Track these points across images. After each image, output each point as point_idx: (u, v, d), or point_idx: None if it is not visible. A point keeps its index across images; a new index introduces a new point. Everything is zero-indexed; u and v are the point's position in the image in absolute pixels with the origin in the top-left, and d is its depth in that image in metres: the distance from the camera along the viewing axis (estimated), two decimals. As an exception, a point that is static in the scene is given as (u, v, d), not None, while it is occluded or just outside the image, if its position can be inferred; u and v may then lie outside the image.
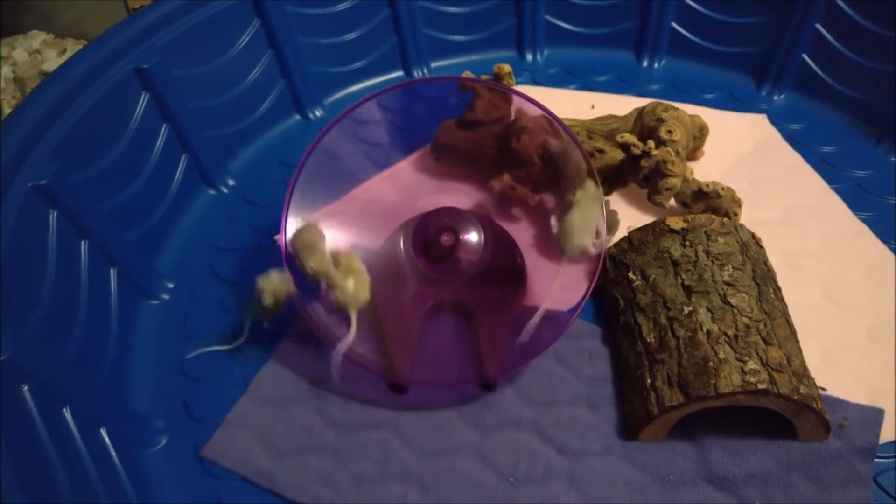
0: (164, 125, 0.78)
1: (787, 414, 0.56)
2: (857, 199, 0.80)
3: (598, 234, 0.65)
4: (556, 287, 0.64)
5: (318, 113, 0.96)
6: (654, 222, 0.69)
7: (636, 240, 0.69)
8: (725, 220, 0.68)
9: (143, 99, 0.75)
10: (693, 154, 0.84)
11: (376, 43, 0.98)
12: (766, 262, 0.66)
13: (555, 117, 0.66)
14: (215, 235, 0.79)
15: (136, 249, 0.72)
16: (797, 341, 0.61)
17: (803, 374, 0.57)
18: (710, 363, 0.56)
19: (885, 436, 0.59)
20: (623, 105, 0.88)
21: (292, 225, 0.65)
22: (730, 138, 0.88)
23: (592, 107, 0.93)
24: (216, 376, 0.66)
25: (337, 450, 0.60)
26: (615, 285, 0.68)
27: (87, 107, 0.69)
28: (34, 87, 0.70)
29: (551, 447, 0.60)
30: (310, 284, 0.63)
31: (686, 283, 0.62)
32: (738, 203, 0.74)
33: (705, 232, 0.66)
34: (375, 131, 0.78)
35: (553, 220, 0.73)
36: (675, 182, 0.73)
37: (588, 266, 0.69)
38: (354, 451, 0.60)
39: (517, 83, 0.96)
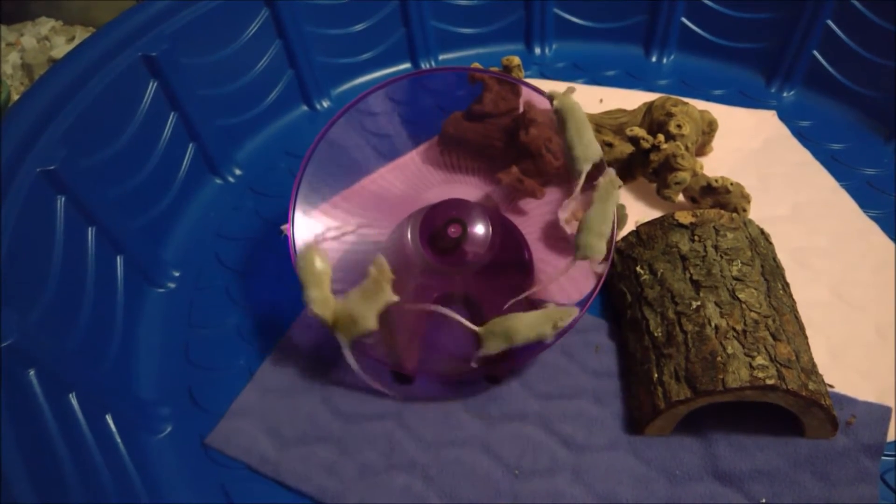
0: (172, 113, 0.78)
1: (795, 410, 0.56)
2: (867, 196, 0.80)
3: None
4: (563, 280, 0.63)
5: (326, 104, 0.96)
6: (662, 217, 0.68)
7: (644, 234, 0.68)
8: (734, 215, 0.67)
9: (152, 87, 0.75)
10: (702, 150, 0.84)
11: (384, 34, 0.98)
12: (774, 258, 0.66)
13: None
14: (221, 224, 0.79)
15: (142, 237, 0.72)
16: (805, 337, 0.61)
17: (812, 371, 0.57)
18: (718, 358, 0.56)
19: (892, 434, 0.59)
20: (631, 100, 0.87)
21: (300, 215, 0.65)
22: (739, 134, 0.87)
23: (601, 101, 0.92)
24: (221, 364, 0.66)
25: (342, 440, 0.60)
26: (622, 279, 0.68)
27: (95, 94, 0.69)
28: (43, 73, 0.70)
29: (557, 440, 0.60)
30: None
31: (694, 277, 0.62)
32: (746, 199, 0.74)
33: (714, 227, 0.65)
34: (383, 123, 0.77)
35: (560, 210, 0.73)
36: (685, 176, 0.72)
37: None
38: (359, 441, 0.60)
39: (525, 77, 0.96)
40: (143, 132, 0.74)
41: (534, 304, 0.67)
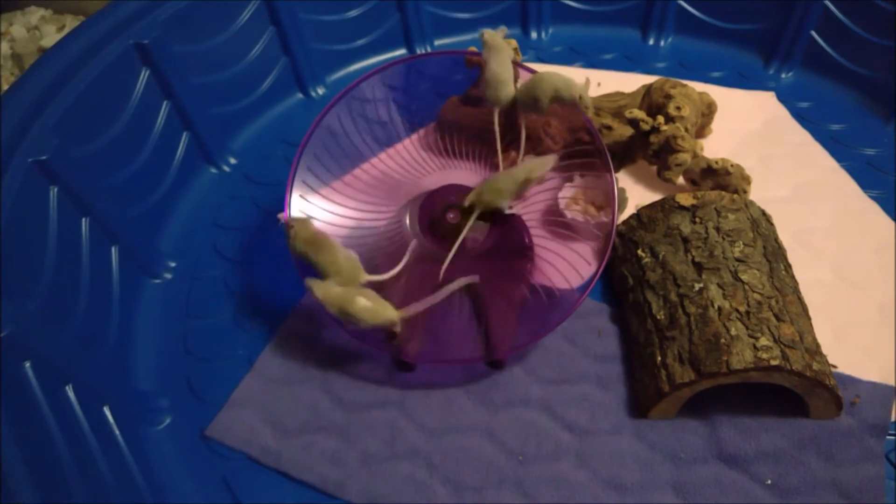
0: (165, 102, 0.77)
1: (800, 391, 0.55)
2: (867, 176, 0.79)
3: (607, 212, 0.64)
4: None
5: (321, 91, 0.95)
6: (663, 199, 0.68)
7: (645, 217, 0.68)
8: (735, 196, 0.67)
9: (144, 75, 0.74)
10: (701, 132, 0.83)
11: (379, 20, 0.97)
12: (776, 239, 0.66)
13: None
14: (217, 214, 0.78)
15: (137, 227, 0.72)
16: (809, 318, 0.60)
17: (816, 351, 0.57)
18: (722, 340, 0.55)
19: (897, 413, 0.59)
20: (629, 83, 0.86)
21: (297, 203, 0.64)
22: (738, 116, 0.87)
23: (598, 84, 0.91)
24: (220, 355, 0.65)
25: (343, 428, 0.60)
26: (624, 263, 0.67)
27: (86, 83, 0.68)
28: (33, 63, 0.69)
29: (560, 425, 0.59)
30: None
31: (696, 259, 0.62)
32: (747, 180, 0.73)
33: (716, 208, 0.65)
34: (379, 109, 0.77)
35: (560, 195, 0.72)
36: (685, 157, 0.72)
37: (597, 244, 0.69)
38: (361, 429, 0.59)
39: (522, 62, 0.95)
40: (136, 121, 0.73)
41: (534, 288, 0.67)
